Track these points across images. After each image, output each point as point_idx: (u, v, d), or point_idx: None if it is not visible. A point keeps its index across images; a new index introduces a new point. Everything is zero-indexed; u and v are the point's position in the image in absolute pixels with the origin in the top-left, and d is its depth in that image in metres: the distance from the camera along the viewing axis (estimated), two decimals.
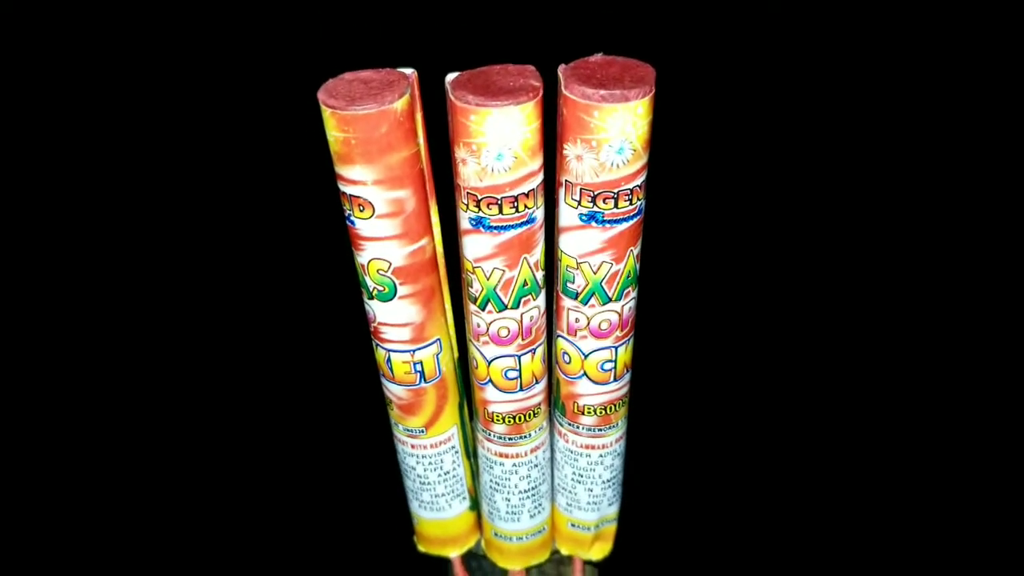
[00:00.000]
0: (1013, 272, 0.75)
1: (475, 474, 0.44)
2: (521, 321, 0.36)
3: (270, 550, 0.49)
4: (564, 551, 0.45)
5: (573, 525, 0.44)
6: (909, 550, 0.50)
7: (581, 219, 0.34)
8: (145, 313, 0.63)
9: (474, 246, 0.34)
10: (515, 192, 0.33)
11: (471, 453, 0.43)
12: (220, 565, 0.49)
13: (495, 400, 0.39)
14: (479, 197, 0.33)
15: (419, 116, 0.34)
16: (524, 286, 0.35)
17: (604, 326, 0.37)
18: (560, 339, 0.38)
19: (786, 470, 0.53)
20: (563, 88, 0.32)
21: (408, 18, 0.79)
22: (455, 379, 0.40)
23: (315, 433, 0.54)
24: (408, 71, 0.33)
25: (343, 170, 0.33)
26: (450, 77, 0.33)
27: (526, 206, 0.33)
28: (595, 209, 0.33)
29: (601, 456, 0.41)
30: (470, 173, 0.32)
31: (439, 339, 0.38)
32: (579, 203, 0.34)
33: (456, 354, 0.41)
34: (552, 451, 0.42)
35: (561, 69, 0.33)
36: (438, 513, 0.44)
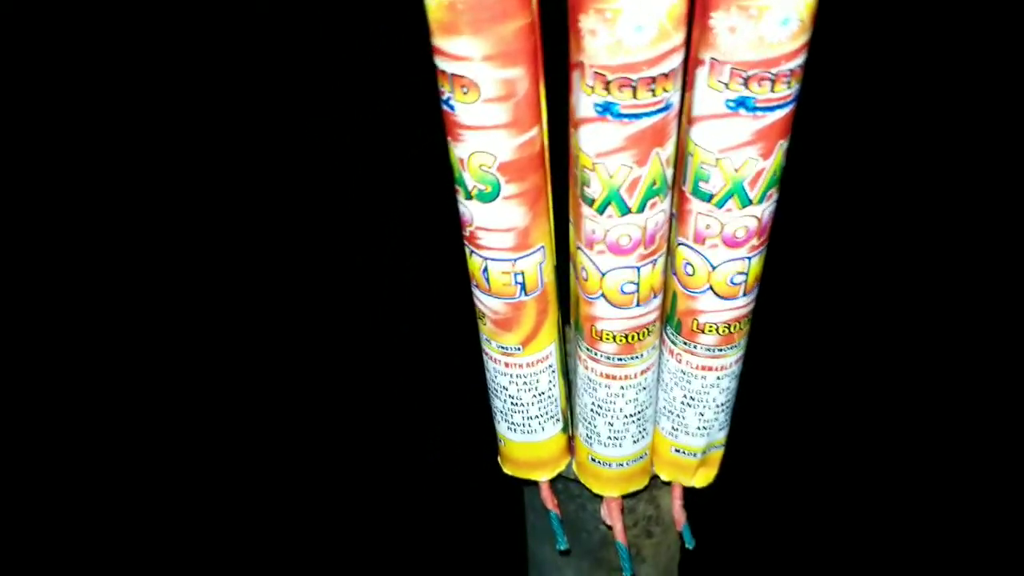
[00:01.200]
0: None
1: (569, 394, 0.39)
2: (645, 227, 0.31)
3: (343, 461, 0.46)
4: (664, 477, 0.41)
5: (677, 450, 0.40)
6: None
7: (728, 106, 0.28)
8: (211, 230, 0.58)
9: (597, 138, 0.29)
10: (653, 72, 0.27)
11: (566, 370, 0.39)
12: (293, 474, 0.46)
13: (606, 316, 0.34)
14: (609, 78, 0.27)
15: None
16: (653, 185, 0.30)
17: (740, 234, 0.32)
18: (683, 247, 0.33)
19: (903, 415, 0.48)
20: None
21: None
22: (555, 290, 0.35)
23: (389, 345, 0.49)
24: None
25: (444, 42, 0.27)
26: None
27: (664, 89, 0.28)
28: (746, 93, 0.28)
29: (718, 378, 0.37)
30: (599, 48, 0.27)
31: (543, 246, 0.33)
32: (727, 86, 0.28)
33: (555, 261, 0.36)
34: (659, 370, 0.38)
35: None
36: (530, 436, 0.39)
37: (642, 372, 0.36)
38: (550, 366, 0.37)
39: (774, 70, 0.27)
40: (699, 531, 0.42)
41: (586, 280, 0.33)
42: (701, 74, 0.28)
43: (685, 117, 0.30)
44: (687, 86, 0.30)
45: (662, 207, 0.31)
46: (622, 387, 0.36)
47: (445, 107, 0.29)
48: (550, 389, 0.38)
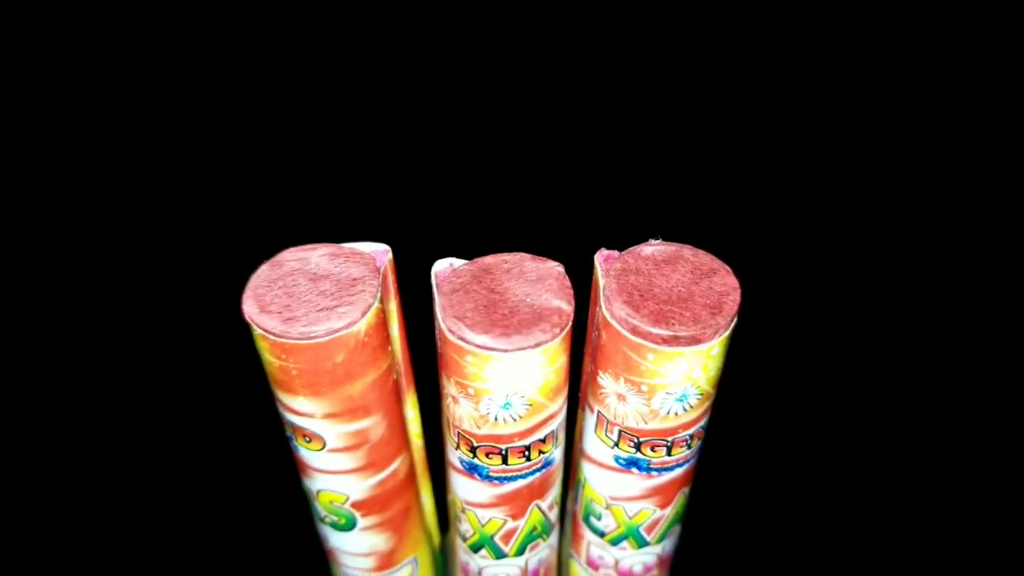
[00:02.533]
0: None
1: None
2: (526, 567, 0.27)
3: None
4: None
5: None
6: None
7: (617, 462, 0.24)
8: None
9: (466, 489, 0.25)
10: (527, 441, 0.23)
11: None
12: None
13: None
14: (475, 444, 0.23)
15: (394, 305, 0.24)
16: (533, 531, 0.26)
17: (638, 568, 0.28)
18: (574, 563, 0.29)
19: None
20: (603, 305, 0.22)
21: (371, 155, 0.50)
22: None
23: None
24: (379, 250, 0.23)
25: (283, 397, 0.23)
26: (440, 268, 0.22)
27: (541, 452, 0.24)
28: (639, 456, 0.24)
29: None
30: (463, 415, 0.22)
31: (415, 557, 0.29)
32: (616, 445, 0.24)
33: (435, 556, 0.31)
34: None
35: (601, 260, 0.23)
36: None
37: None
38: None
39: (670, 439, 0.23)
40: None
41: None
42: (589, 419, 0.24)
43: (576, 445, 0.26)
44: (579, 404, 0.26)
45: (546, 544, 0.27)
46: None
47: (289, 443, 0.25)
48: None
